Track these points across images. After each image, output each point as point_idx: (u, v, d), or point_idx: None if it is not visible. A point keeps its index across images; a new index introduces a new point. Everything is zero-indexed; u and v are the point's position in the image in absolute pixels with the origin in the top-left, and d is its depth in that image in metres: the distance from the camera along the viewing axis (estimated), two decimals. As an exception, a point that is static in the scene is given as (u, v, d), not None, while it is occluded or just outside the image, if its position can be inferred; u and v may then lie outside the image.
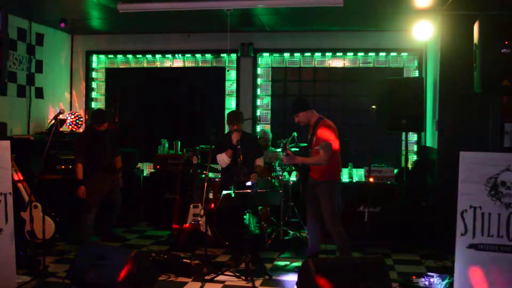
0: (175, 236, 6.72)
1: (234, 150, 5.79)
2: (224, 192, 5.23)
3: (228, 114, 6.16)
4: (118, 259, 4.34)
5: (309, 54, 8.33)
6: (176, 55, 8.74)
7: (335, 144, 5.21)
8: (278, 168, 7.06)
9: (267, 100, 8.55)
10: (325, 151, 5.12)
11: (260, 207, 6.62)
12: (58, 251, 6.17)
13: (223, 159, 5.97)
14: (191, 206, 6.56)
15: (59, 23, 7.58)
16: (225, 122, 6.65)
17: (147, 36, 8.64)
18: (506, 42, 4.62)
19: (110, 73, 9.01)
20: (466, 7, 6.23)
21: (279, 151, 7.13)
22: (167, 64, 8.83)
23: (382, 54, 8.13)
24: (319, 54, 8.30)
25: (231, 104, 8.58)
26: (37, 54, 7.94)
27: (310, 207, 5.45)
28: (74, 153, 6.48)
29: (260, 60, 8.53)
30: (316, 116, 5.42)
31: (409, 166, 7.73)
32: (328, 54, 8.29)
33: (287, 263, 5.89)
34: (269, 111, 8.54)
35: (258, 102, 8.52)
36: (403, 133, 7.33)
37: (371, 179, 6.58)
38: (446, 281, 4.89)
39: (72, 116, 8.18)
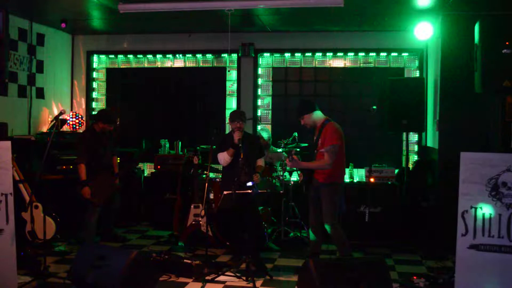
0: (176, 236, 6.72)
1: (236, 149, 5.78)
2: (225, 192, 5.24)
3: (231, 113, 6.15)
4: (118, 259, 4.34)
5: (309, 54, 8.33)
6: (177, 55, 8.74)
7: (340, 148, 5.21)
8: (279, 168, 7.06)
9: (268, 100, 8.55)
10: (329, 155, 5.12)
11: (261, 207, 6.62)
12: (58, 251, 6.17)
13: (224, 158, 5.96)
14: (192, 206, 6.56)
15: (60, 23, 7.57)
16: (226, 122, 6.66)
17: (147, 36, 8.64)
18: (507, 43, 4.62)
19: (111, 73, 9.01)
20: (466, 7, 6.23)
21: (280, 151, 7.12)
22: (168, 64, 8.84)
23: (383, 54, 8.13)
24: (320, 54, 8.30)
25: (231, 104, 8.58)
26: (38, 54, 7.94)
27: (312, 207, 5.45)
28: (76, 154, 6.44)
29: (260, 60, 8.53)
30: (323, 118, 5.41)
31: (410, 166, 7.72)
32: (329, 54, 8.28)
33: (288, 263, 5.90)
34: (270, 111, 8.54)
35: (259, 102, 8.52)
36: (404, 133, 7.33)
37: (371, 179, 6.58)
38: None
39: (73, 117, 8.18)
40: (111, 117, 6.49)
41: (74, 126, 8.18)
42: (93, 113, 8.95)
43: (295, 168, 6.58)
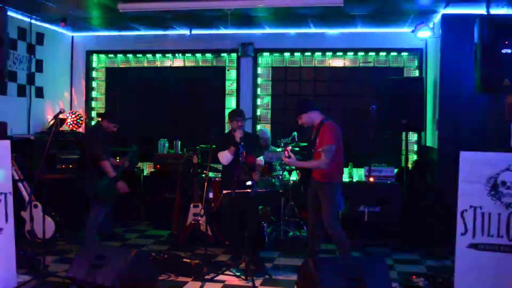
0: (175, 236, 6.72)
1: (237, 147, 5.75)
2: (225, 191, 5.23)
3: (230, 112, 6.12)
4: (118, 259, 4.34)
5: (309, 53, 8.33)
6: (176, 55, 8.74)
7: (338, 147, 5.21)
8: (278, 168, 7.06)
9: (267, 99, 8.55)
10: (326, 155, 5.12)
11: (260, 207, 6.62)
12: (58, 250, 6.18)
13: (225, 156, 5.89)
14: (191, 205, 6.57)
15: (60, 23, 7.57)
16: (226, 121, 6.65)
17: (147, 36, 8.63)
18: (506, 42, 4.62)
19: (110, 72, 9.01)
20: (466, 7, 6.24)
21: (280, 150, 7.12)
22: (167, 63, 8.84)
23: (383, 53, 8.13)
24: (319, 53, 8.30)
25: (231, 103, 8.58)
26: (37, 53, 7.93)
27: (311, 207, 5.45)
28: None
29: (260, 60, 8.53)
30: (321, 117, 5.40)
31: (409, 166, 7.74)
32: (329, 53, 8.29)
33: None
34: (269, 111, 8.54)
35: (258, 101, 8.52)
36: (403, 133, 7.33)
37: (371, 179, 6.58)
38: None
39: (72, 116, 8.18)
40: (116, 116, 6.34)
41: (81, 125, 8.17)
42: (93, 112, 8.97)
43: (293, 167, 6.59)
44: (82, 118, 8.32)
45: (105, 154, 6.06)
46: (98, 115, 7.19)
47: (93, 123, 8.91)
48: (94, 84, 9.02)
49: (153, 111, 8.80)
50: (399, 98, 6.88)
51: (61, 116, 5.69)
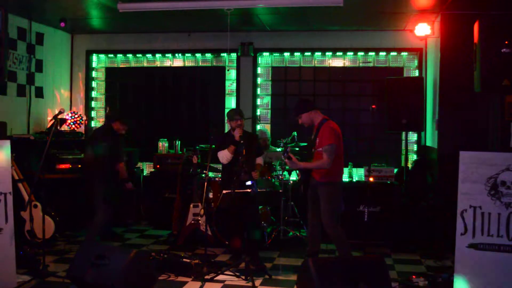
0: (175, 236, 6.72)
1: (237, 146, 5.74)
2: (225, 191, 5.23)
3: (229, 111, 6.12)
4: (118, 258, 4.34)
5: (309, 53, 8.33)
6: (176, 55, 8.74)
7: (338, 147, 5.21)
8: (278, 168, 7.06)
9: (267, 99, 8.55)
10: (328, 155, 5.12)
11: (260, 207, 6.62)
12: (58, 250, 6.17)
13: (225, 155, 5.89)
14: (191, 205, 6.56)
15: (59, 23, 7.57)
16: (225, 121, 6.64)
17: (147, 36, 8.63)
18: (506, 42, 4.62)
19: (110, 72, 9.01)
20: (466, 7, 6.23)
21: (280, 150, 7.12)
22: (167, 63, 8.83)
23: (382, 53, 8.13)
24: (319, 53, 8.30)
25: (231, 103, 8.58)
26: (37, 53, 7.93)
27: (311, 207, 5.45)
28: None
29: (260, 60, 8.53)
30: (321, 116, 5.40)
31: (409, 165, 7.74)
32: (328, 53, 8.29)
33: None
34: (269, 111, 8.54)
35: (258, 101, 8.52)
36: (403, 133, 7.33)
37: (371, 179, 6.58)
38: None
39: (75, 116, 8.18)
40: (128, 119, 6.25)
41: (82, 125, 8.16)
42: (93, 112, 8.96)
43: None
44: (83, 119, 8.31)
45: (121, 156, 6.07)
46: (107, 117, 7.04)
47: (93, 123, 8.93)
48: (94, 84, 9.01)
49: (153, 111, 8.81)
50: (398, 98, 6.88)
51: (60, 116, 5.68)
